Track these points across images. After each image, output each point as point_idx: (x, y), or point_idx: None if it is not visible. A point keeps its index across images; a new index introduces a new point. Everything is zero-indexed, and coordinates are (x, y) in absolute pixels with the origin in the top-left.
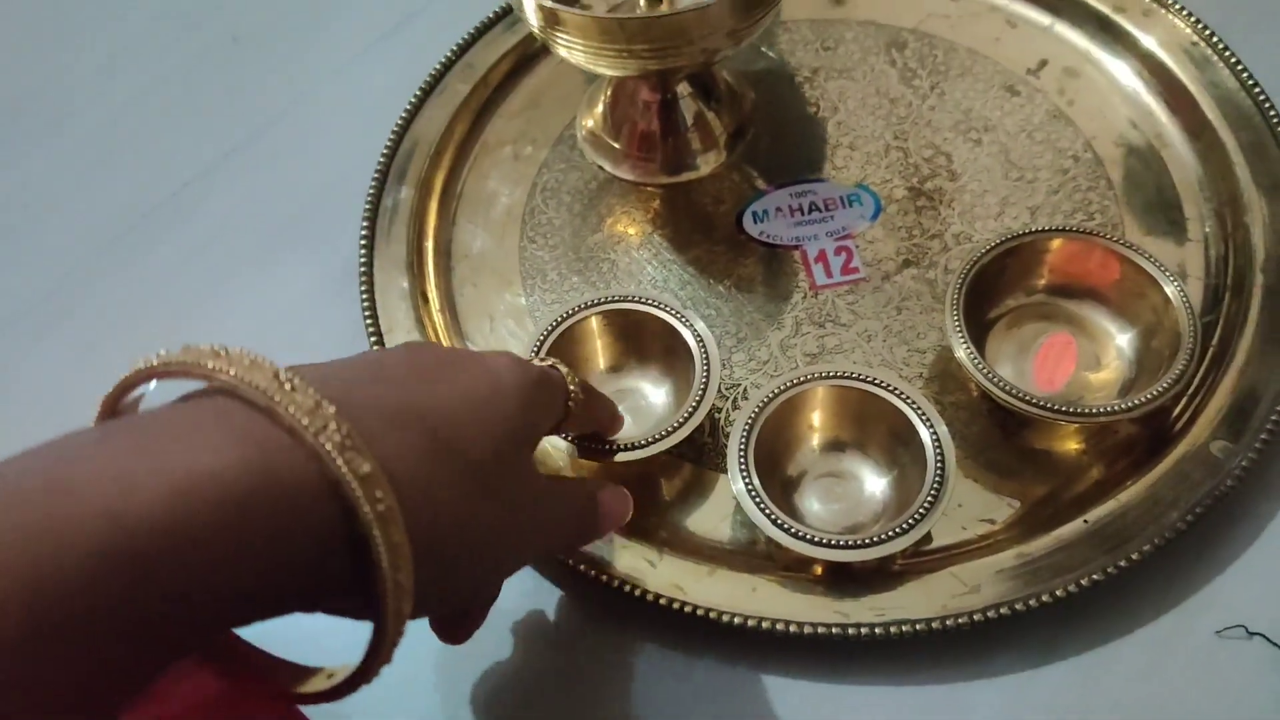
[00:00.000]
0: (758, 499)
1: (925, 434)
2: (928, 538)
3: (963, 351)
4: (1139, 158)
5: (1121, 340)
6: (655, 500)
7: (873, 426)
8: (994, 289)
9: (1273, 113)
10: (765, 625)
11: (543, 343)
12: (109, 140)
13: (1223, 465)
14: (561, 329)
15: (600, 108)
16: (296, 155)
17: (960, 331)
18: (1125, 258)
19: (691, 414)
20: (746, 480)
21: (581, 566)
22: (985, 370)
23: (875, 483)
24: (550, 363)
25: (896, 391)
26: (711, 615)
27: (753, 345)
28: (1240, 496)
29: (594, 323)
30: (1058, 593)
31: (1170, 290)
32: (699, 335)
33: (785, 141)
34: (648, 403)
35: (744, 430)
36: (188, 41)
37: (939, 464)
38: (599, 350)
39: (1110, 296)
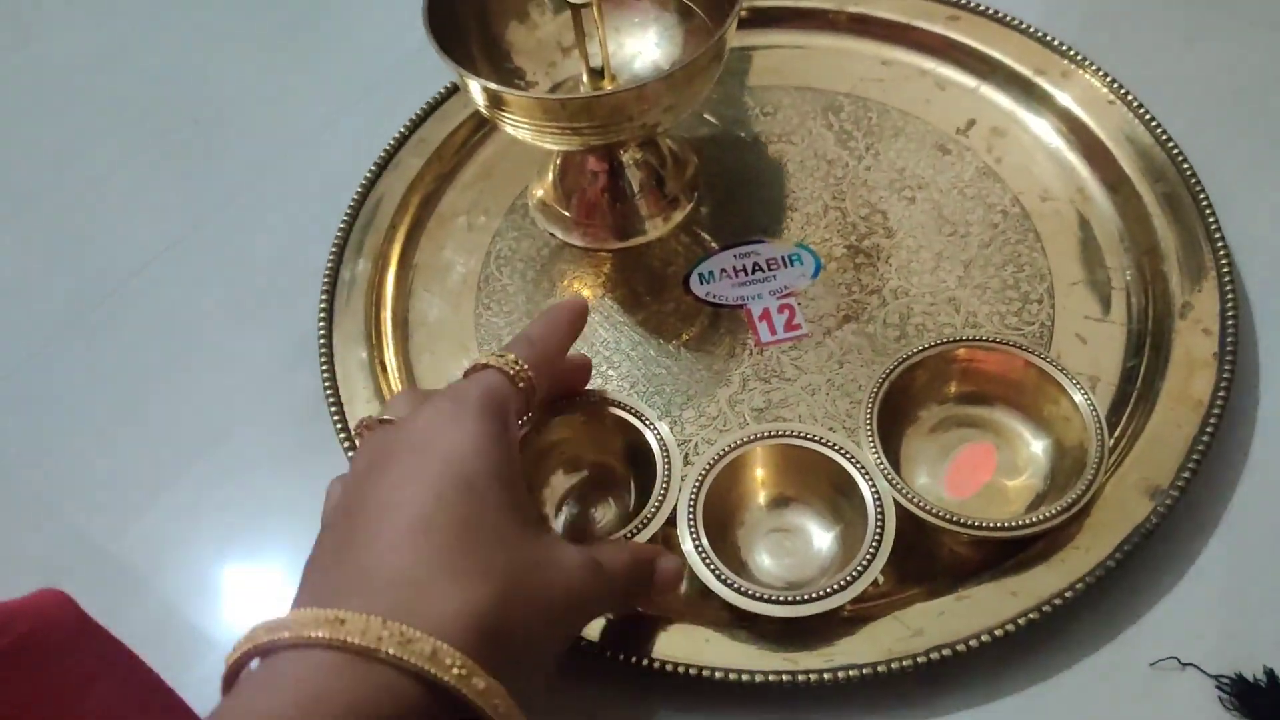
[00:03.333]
0: (706, 558)
1: (865, 489)
2: (873, 584)
3: (872, 458)
4: (1063, 211)
5: (1037, 448)
6: None
7: (816, 482)
8: (914, 396)
9: (1185, 164)
10: (718, 675)
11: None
12: (71, 220)
13: (1150, 502)
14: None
15: (550, 177)
16: (256, 230)
17: (873, 440)
18: (1037, 367)
19: (652, 517)
20: (695, 540)
21: None
22: (893, 480)
23: (822, 537)
24: (478, 362)
25: (837, 448)
26: (667, 667)
27: (702, 402)
28: (1168, 531)
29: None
30: (997, 633)
31: (1078, 399)
32: (663, 441)
33: (729, 204)
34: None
35: (692, 492)
36: (149, 123)
37: (879, 518)
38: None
39: (1025, 405)
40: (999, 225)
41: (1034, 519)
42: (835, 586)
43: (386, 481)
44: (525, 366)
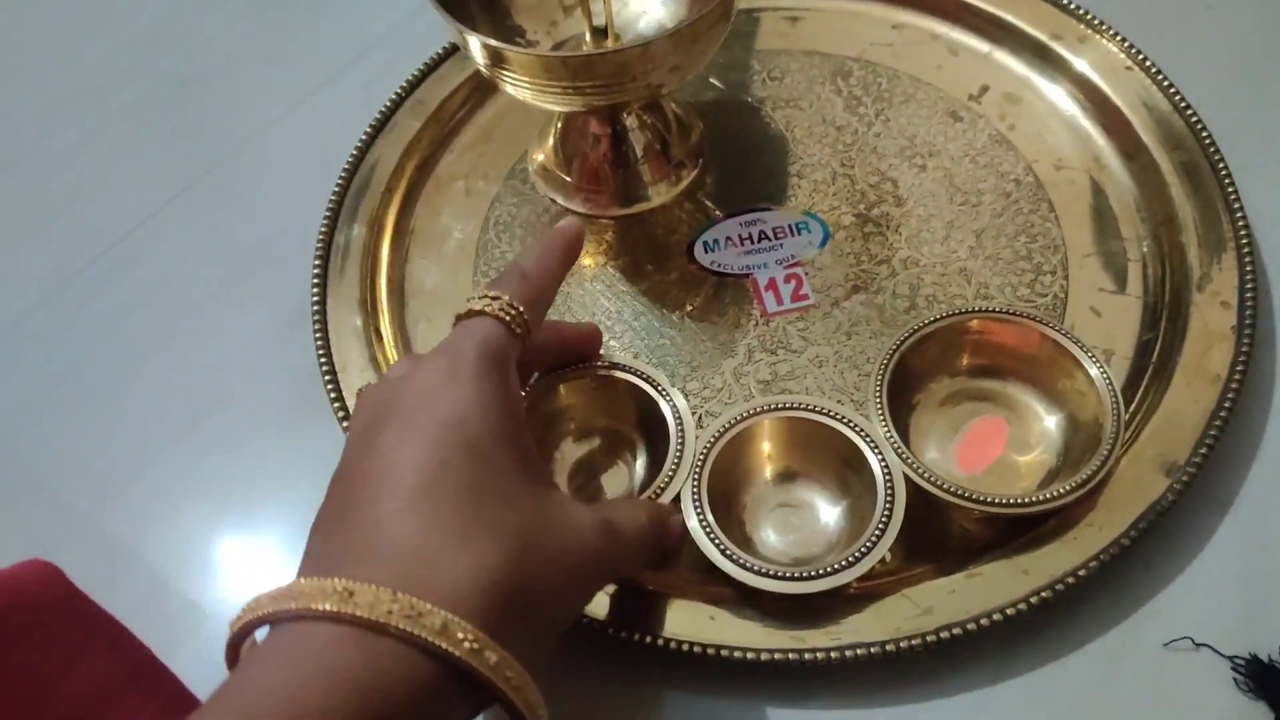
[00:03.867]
0: (711, 534)
1: (875, 462)
2: (881, 561)
3: (881, 432)
4: (1078, 180)
5: (1049, 423)
6: None
7: (824, 455)
8: (924, 368)
9: (1204, 133)
10: (724, 653)
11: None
12: (53, 187)
13: (1166, 479)
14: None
15: (551, 141)
16: (247, 196)
17: (882, 413)
18: (1052, 340)
19: (665, 488)
20: (700, 516)
21: None
22: (903, 454)
23: (829, 511)
24: (471, 308)
25: (846, 420)
26: (671, 645)
27: (707, 373)
28: (1184, 509)
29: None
30: (1008, 611)
31: (1094, 373)
32: (677, 411)
33: (735, 171)
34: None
35: (696, 466)
36: (134, 85)
37: (888, 492)
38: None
39: (1039, 378)
40: (1011, 194)
41: (1047, 495)
42: (843, 563)
43: (384, 442)
44: (520, 310)
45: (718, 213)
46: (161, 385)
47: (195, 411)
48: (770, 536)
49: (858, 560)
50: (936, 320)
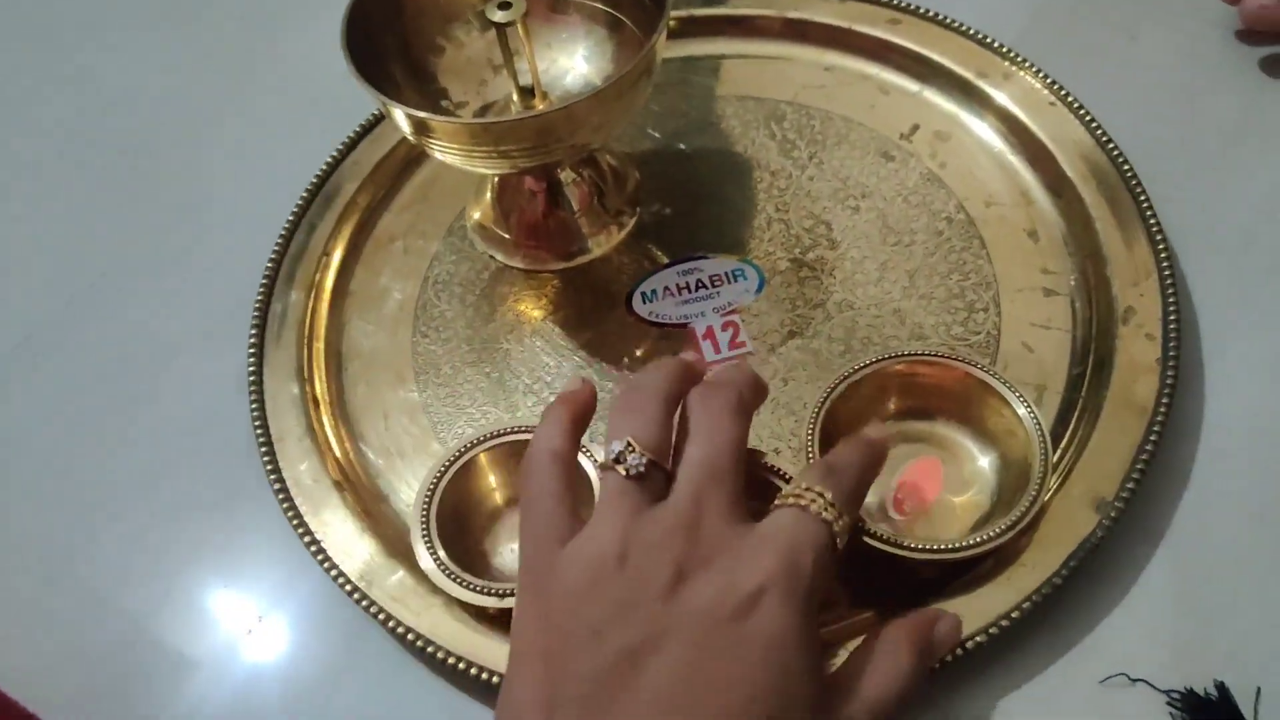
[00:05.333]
0: None
1: None
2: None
3: None
4: (1008, 216)
5: (983, 463)
6: None
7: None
8: (856, 413)
9: (1126, 166)
10: None
11: (433, 494)
12: None
13: (1096, 515)
14: (451, 472)
15: (488, 198)
16: (184, 265)
17: (814, 458)
18: (978, 379)
19: None
20: None
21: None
22: None
23: None
24: (797, 492)
25: (778, 471)
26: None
27: None
28: (1115, 544)
29: (483, 460)
30: (945, 657)
31: (1021, 411)
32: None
33: (673, 219)
34: None
35: None
36: (73, 156)
37: None
38: (494, 487)
39: (970, 418)
40: (943, 233)
41: (977, 540)
42: None
43: (671, 674)
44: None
45: (659, 260)
46: (98, 461)
47: (134, 487)
48: None
49: None
50: (865, 366)
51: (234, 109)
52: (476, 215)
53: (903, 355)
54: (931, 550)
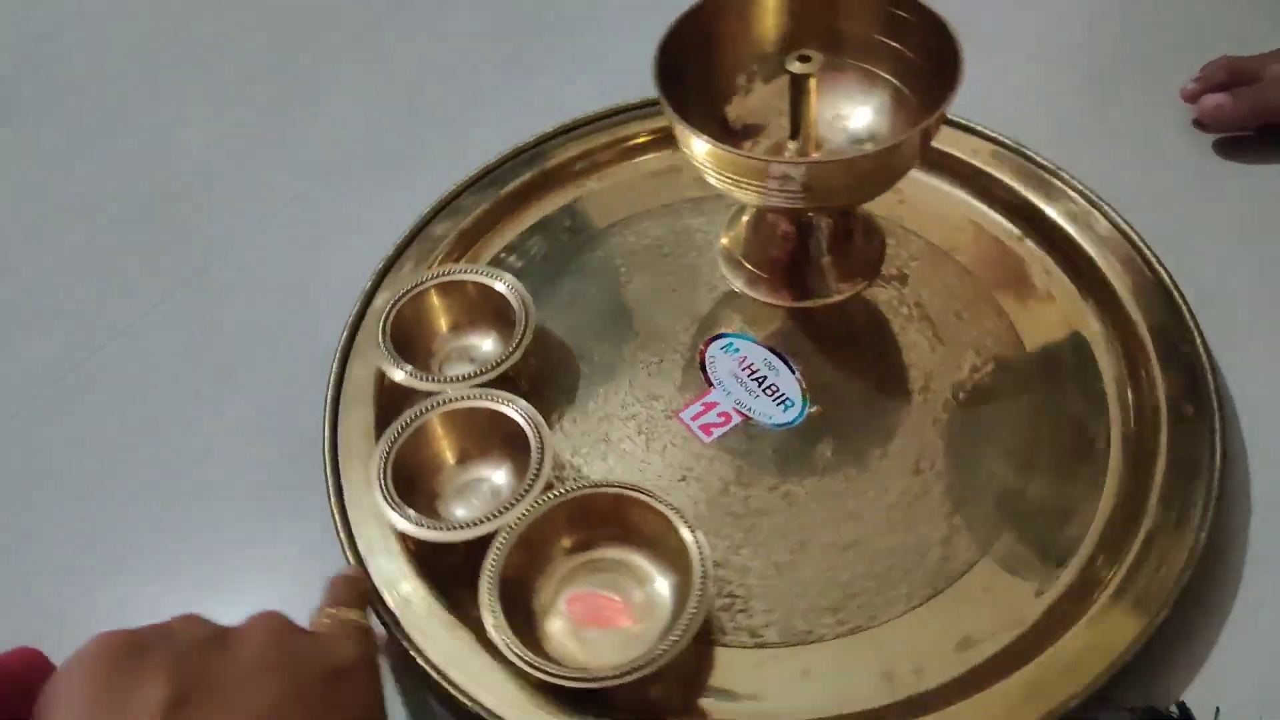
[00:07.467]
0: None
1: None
2: None
3: (491, 622)
4: None
5: (662, 586)
6: None
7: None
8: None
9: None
10: None
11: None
12: (47, 292)
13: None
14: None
15: (742, 230)
16: (225, 304)
17: (493, 612)
18: (651, 507)
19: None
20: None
21: None
22: (508, 644)
23: None
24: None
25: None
26: None
27: None
28: None
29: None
30: None
31: (685, 536)
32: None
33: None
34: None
35: None
36: (117, 201)
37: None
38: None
39: (654, 544)
40: None
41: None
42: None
43: None
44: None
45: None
46: (144, 482)
47: (176, 507)
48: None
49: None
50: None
51: (274, 156)
52: (725, 242)
53: (586, 487)
54: (560, 675)
